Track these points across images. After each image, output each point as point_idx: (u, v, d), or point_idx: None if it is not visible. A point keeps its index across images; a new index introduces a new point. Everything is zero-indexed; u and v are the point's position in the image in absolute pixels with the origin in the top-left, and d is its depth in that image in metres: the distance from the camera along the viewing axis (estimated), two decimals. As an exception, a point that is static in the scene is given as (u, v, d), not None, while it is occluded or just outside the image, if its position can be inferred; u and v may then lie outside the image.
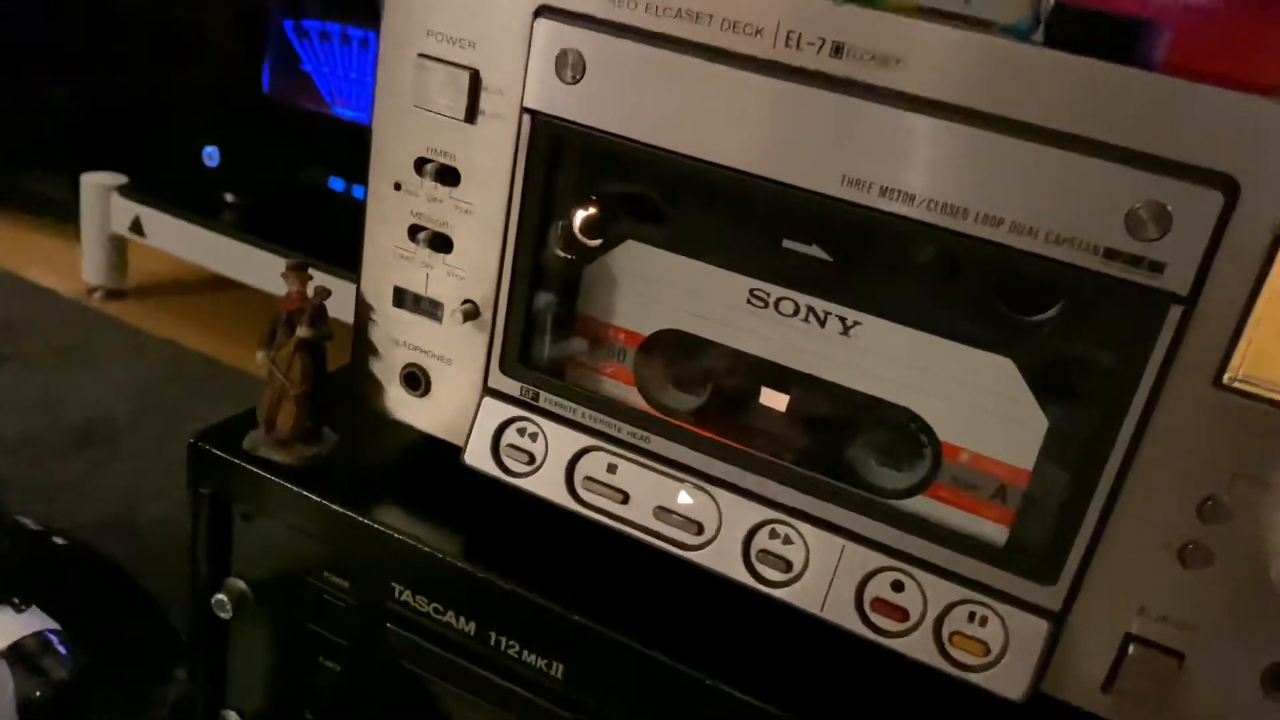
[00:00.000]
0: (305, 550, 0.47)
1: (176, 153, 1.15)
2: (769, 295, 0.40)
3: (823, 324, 0.39)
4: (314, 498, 0.45)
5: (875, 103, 0.34)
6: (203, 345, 1.10)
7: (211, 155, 1.14)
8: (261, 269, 1.05)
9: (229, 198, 1.14)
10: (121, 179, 1.16)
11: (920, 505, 0.40)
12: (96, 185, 1.15)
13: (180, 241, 1.11)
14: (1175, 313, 0.32)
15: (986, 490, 0.39)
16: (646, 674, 0.40)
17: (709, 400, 0.43)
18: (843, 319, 0.39)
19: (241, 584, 0.49)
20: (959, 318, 0.37)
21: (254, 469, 0.46)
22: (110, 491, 0.86)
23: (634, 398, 0.44)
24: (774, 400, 0.42)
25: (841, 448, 0.41)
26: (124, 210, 1.14)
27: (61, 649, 0.61)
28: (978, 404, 0.38)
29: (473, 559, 0.43)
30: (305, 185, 1.10)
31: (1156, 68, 0.33)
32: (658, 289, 0.42)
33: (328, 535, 0.46)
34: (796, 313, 0.40)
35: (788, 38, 0.35)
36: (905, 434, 0.40)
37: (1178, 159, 0.31)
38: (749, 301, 0.40)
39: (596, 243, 0.42)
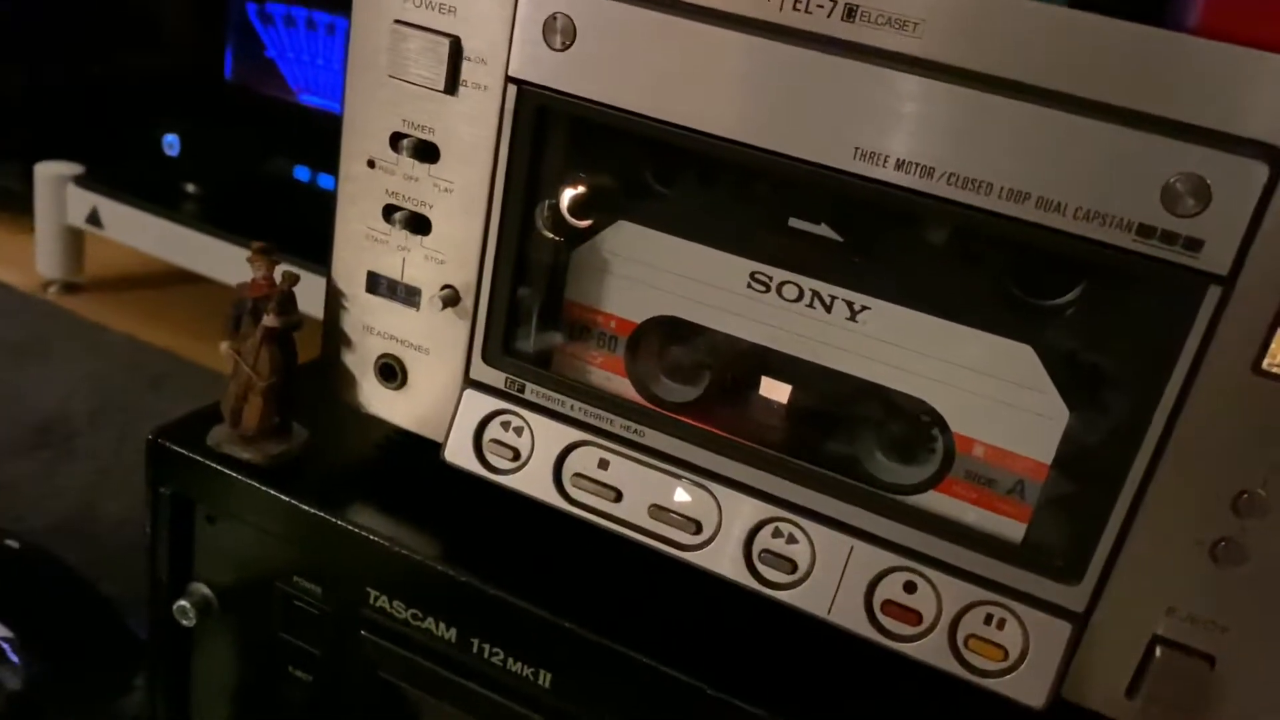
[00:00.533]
0: (274, 554, 0.44)
1: (135, 141, 1.11)
2: (771, 279, 0.38)
3: (829, 309, 0.37)
4: (283, 498, 0.42)
5: (891, 69, 0.32)
6: (163, 340, 1.07)
7: (172, 144, 1.10)
8: (224, 262, 1.01)
9: (190, 188, 1.11)
10: (78, 168, 1.12)
11: (932, 501, 0.37)
12: (52, 175, 1.11)
13: (139, 233, 1.07)
14: (1214, 294, 0.30)
15: (1004, 485, 0.36)
16: (642, 684, 0.38)
17: (706, 391, 0.40)
18: (850, 304, 0.37)
19: (205, 589, 0.46)
20: (975, 302, 0.35)
21: (218, 467, 0.43)
22: (67, 492, 0.83)
23: (626, 390, 0.41)
24: (776, 391, 0.39)
25: (849, 441, 0.39)
26: (81, 201, 1.10)
27: (14, 658, 0.58)
28: (994, 394, 0.36)
29: (453, 561, 0.41)
30: (269, 176, 1.06)
31: (1190, 31, 0.30)
32: (651, 273, 0.40)
33: (298, 538, 0.43)
34: (800, 297, 0.37)
35: None
36: (917, 426, 0.37)
37: (1218, 128, 0.29)
38: (750, 285, 0.38)
39: (586, 223, 0.40)
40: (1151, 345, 0.32)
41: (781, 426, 0.39)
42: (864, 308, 0.37)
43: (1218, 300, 0.30)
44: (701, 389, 0.40)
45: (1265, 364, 0.31)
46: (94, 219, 1.09)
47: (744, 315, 0.38)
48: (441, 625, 0.41)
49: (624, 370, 0.41)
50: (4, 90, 1.19)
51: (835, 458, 0.38)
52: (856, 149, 0.33)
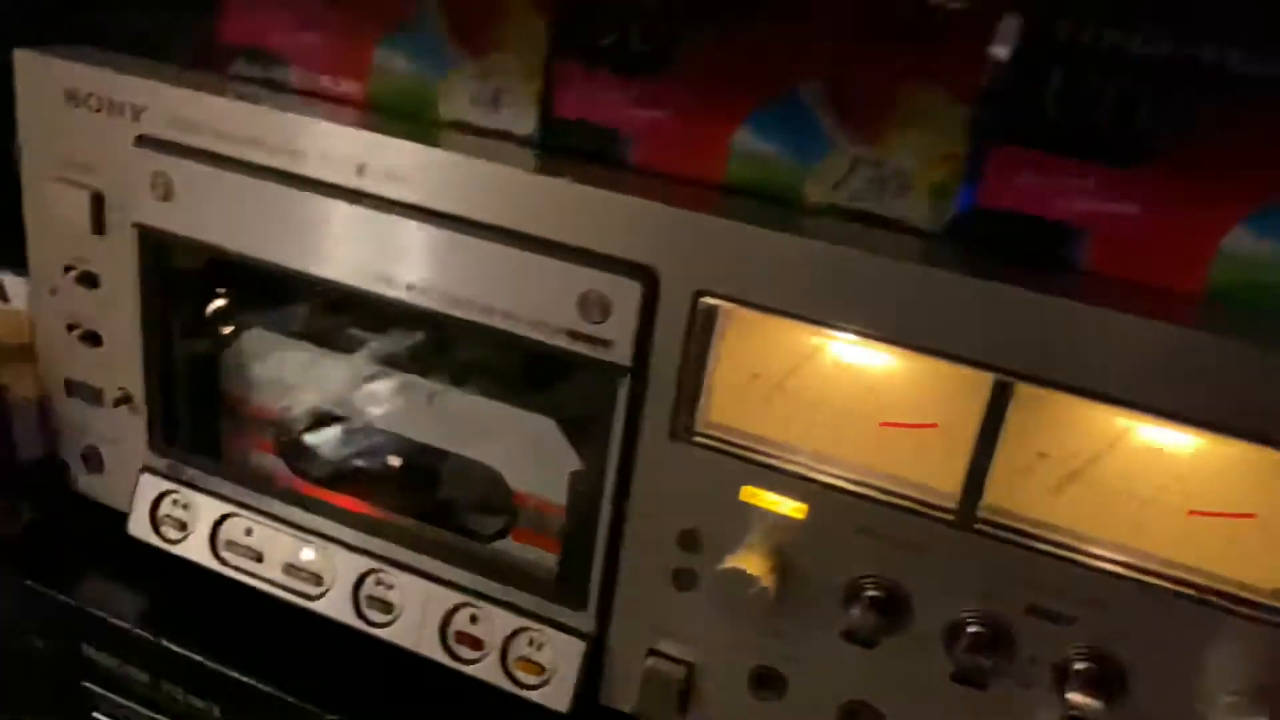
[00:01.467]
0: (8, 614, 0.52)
1: None
2: (373, 373, 0.46)
3: (416, 395, 0.45)
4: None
5: (388, 212, 0.40)
6: None
7: None
8: None
9: None
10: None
11: (508, 546, 0.46)
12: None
13: None
14: (625, 381, 0.39)
15: (552, 530, 0.45)
16: (282, 711, 0.46)
17: (337, 465, 0.49)
18: (429, 391, 0.45)
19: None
20: (510, 386, 0.44)
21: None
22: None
23: (279, 466, 0.49)
24: (390, 463, 0.47)
25: (446, 501, 0.47)
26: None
27: None
28: (535, 456, 0.44)
29: (145, 623, 0.48)
30: None
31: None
32: (284, 370, 0.48)
33: (26, 606, 0.51)
34: (396, 387, 0.46)
35: (322, 158, 0.41)
36: (490, 485, 0.46)
37: (605, 252, 0.38)
38: (359, 378, 0.46)
39: (228, 330, 0.48)
40: (600, 418, 0.40)
41: (396, 492, 0.47)
42: (438, 393, 0.45)
43: (630, 386, 0.39)
44: (333, 463, 0.49)
45: (677, 433, 0.39)
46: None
47: (358, 402, 0.47)
48: (137, 670, 0.49)
49: (274, 449, 0.49)
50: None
51: (437, 516, 0.46)
52: (376, 274, 0.41)
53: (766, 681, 0.41)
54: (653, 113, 0.40)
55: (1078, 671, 0.35)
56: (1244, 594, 0.34)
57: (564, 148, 0.41)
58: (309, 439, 0.48)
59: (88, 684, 0.51)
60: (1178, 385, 0.32)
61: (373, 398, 0.46)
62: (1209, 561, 0.35)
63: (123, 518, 0.51)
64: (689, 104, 0.39)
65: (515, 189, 0.39)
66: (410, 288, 0.41)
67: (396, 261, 0.41)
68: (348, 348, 0.46)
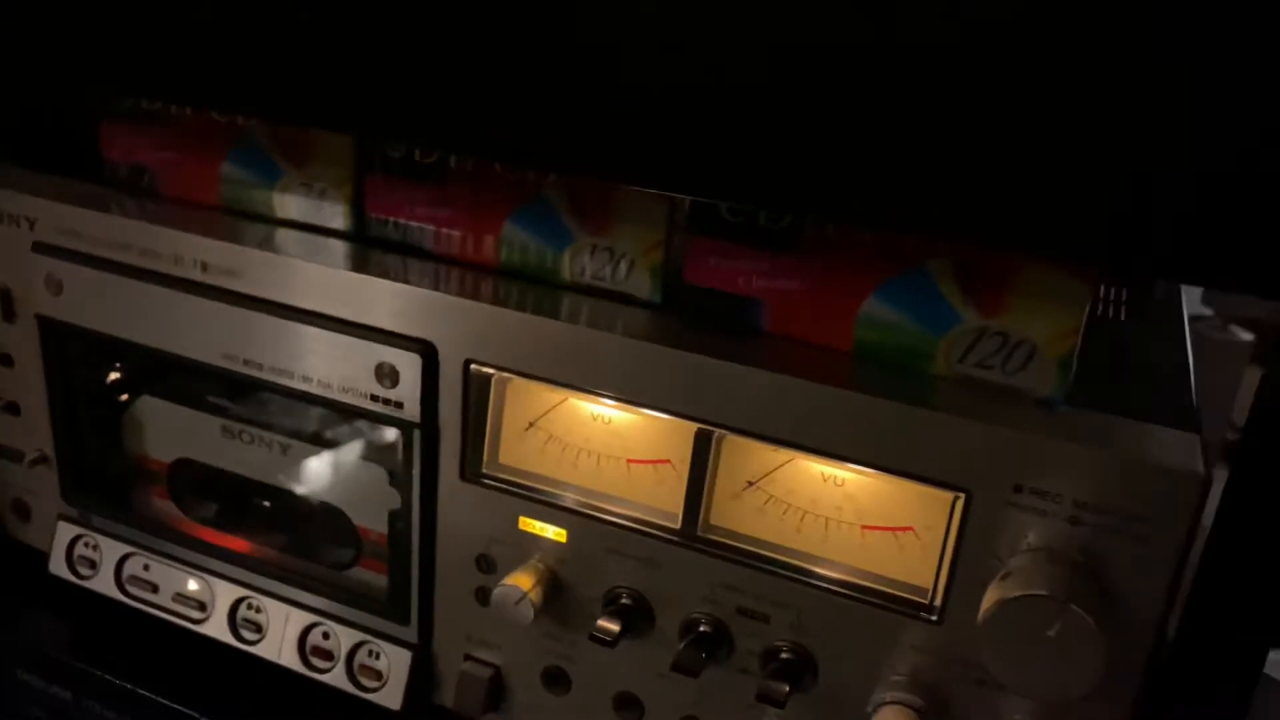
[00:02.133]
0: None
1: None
2: (235, 429, 0.55)
3: (269, 446, 0.54)
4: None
5: (228, 302, 0.49)
6: None
7: None
8: None
9: None
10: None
11: (360, 574, 0.54)
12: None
13: None
14: (416, 434, 0.47)
15: (386, 559, 0.53)
16: (157, 716, 0.54)
17: (217, 507, 0.57)
18: (281, 443, 0.54)
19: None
20: (342, 438, 0.52)
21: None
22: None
23: (170, 510, 0.58)
24: (256, 504, 0.56)
25: (307, 535, 0.55)
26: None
27: None
28: (371, 498, 0.52)
29: (74, 650, 0.57)
30: None
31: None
32: (170, 429, 0.57)
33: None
34: (253, 440, 0.54)
35: (176, 259, 0.50)
36: (338, 522, 0.54)
37: (390, 329, 0.46)
38: (224, 433, 0.55)
39: (124, 398, 0.57)
40: (408, 465, 0.48)
41: (264, 529, 0.56)
42: (287, 445, 0.54)
43: (421, 438, 0.47)
44: (214, 505, 0.57)
45: (466, 475, 0.47)
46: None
47: (226, 454, 0.55)
48: (58, 688, 0.58)
49: (165, 496, 0.58)
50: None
51: (299, 548, 0.55)
52: (221, 351, 0.50)
53: (555, 678, 0.49)
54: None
55: (779, 659, 0.44)
56: (907, 594, 0.42)
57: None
58: (190, 487, 0.57)
59: (23, 705, 0.60)
60: (837, 428, 0.40)
61: (240, 451, 0.55)
62: (880, 566, 0.43)
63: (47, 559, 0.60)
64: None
65: (323, 278, 0.47)
66: (246, 362, 0.50)
67: (235, 341, 0.50)
68: (215, 410, 0.55)
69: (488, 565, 0.49)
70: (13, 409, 0.58)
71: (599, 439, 0.46)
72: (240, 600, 0.55)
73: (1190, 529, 0.36)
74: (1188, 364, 0.50)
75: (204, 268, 0.50)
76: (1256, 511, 0.35)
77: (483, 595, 0.49)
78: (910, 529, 0.42)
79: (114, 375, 0.57)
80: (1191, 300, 0.75)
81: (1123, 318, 0.55)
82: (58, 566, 0.59)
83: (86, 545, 0.58)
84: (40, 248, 0.53)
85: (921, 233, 0.36)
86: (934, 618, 0.41)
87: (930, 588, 0.41)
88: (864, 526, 0.43)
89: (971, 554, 0.40)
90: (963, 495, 0.39)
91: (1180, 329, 0.57)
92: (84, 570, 0.58)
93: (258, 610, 0.55)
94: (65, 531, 0.59)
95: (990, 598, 0.38)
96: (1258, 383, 0.34)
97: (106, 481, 0.59)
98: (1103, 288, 0.56)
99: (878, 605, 0.42)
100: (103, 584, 0.58)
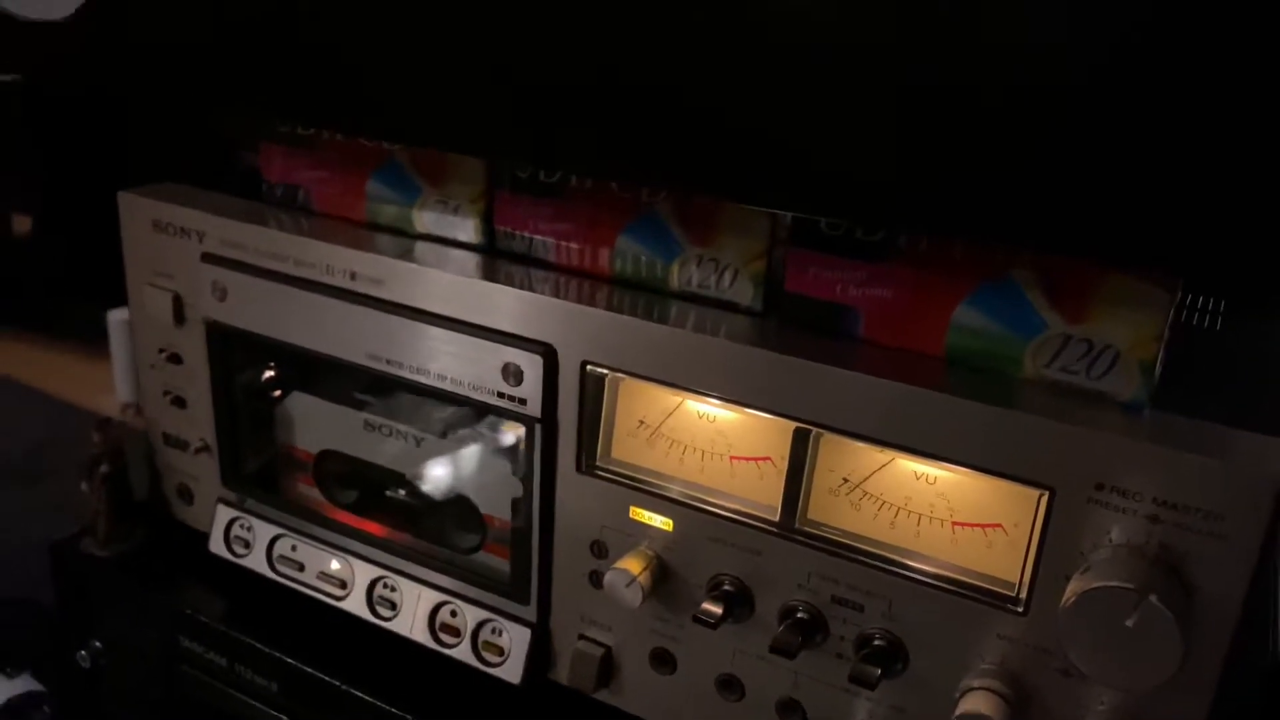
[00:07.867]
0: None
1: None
2: (375, 423, 0.60)
3: (405, 439, 0.59)
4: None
5: (373, 308, 0.54)
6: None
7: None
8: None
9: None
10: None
11: (484, 557, 0.59)
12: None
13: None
14: (538, 428, 0.51)
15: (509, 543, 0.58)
16: (320, 687, 0.60)
17: (357, 494, 0.63)
18: (416, 437, 0.59)
19: (98, 643, 0.71)
20: (476, 435, 0.57)
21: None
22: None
23: (316, 496, 0.64)
24: (392, 492, 0.61)
25: (437, 521, 0.60)
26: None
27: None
28: (496, 488, 0.57)
29: (229, 620, 0.63)
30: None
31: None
32: (317, 422, 0.63)
33: (140, 607, 0.67)
34: (391, 434, 0.60)
35: (327, 268, 0.56)
36: (465, 510, 0.59)
37: (515, 332, 0.51)
38: (365, 427, 0.61)
39: (277, 394, 0.63)
40: (530, 458, 0.53)
41: (398, 515, 0.61)
42: (421, 439, 0.59)
43: (543, 432, 0.51)
44: (354, 493, 0.63)
45: (581, 467, 0.51)
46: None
47: (366, 446, 0.61)
48: (215, 654, 0.65)
49: (312, 483, 0.64)
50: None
51: (430, 533, 0.60)
52: (367, 352, 0.55)
53: (661, 659, 0.53)
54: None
55: (871, 645, 0.46)
56: (995, 587, 0.44)
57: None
58: (334, 475, 0.63)
59: (184, 667, 0.67)
60: (930, 429, 0.43)
61: (379, 443, 0.60)
62: (970, 561, 0.45)
63: (207, 538, 0.66)
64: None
65: (456, 286, 0.52)
66: (389, 362, 0.55)
67: (379, 342, 0.55)
68: (358, 406, 0.60)
69: (600, 551, 0.53)
70: (180, 402, 0.65)
71: (704, 436, 0.50)
72: (377, 579, 0.60)
73: (1269, 528, 0.38)
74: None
75: (352, 276, 0.55)
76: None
77: (596, 579, 0.53)
78: (999, 525, 0.45)
79: (269, 373, 0.63)
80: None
81: (1217, 327, 0.56)
82: (217, 546, 0.65)
83: (242, 527, 0.64)
84: (208, 258, 0.60)
85: (1012, 245, 0.39)
86: (1020, 609, 0.43)
87: (1016, 581, 0.43)
88: (955, 523, 0.45)
89: (1055, 549, 0.42)
90: (1048, 492, 0.41)
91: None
92: (239, 549, 0.65)
93: (392, 589, 0.60)
94: (224, 514, 0.65)
95: (1072, 589, 0.40)
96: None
97: (260, 469, 0.65)
98: (1198, 298, 0.57)
99: (966, 597, 0.44)
100: (256, 562, 0.64)
